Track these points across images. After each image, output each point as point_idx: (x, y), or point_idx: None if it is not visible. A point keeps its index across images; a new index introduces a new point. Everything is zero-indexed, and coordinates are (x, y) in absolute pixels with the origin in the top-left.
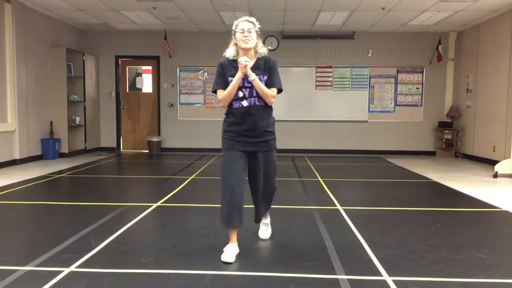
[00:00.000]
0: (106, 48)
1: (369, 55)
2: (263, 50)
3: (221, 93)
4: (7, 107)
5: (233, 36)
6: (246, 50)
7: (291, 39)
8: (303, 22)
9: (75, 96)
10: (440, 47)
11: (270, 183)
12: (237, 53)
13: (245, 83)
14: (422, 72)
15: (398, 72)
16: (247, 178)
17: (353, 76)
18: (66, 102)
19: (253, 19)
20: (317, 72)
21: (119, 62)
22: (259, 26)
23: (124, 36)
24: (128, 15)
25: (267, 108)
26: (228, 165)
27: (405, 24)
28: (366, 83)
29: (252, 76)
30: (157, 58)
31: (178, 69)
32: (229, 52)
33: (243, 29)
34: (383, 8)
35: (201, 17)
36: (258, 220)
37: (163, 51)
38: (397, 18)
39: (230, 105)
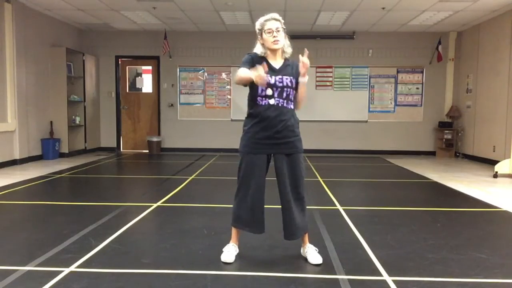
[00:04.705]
0: (106, 48)
1: (369, 55)
2: (289, 50)
3: (241, 71)
4: (7, 107)
5: (259, 36)
6: (275, 51)
7: (291, 39)
8: (303, 22)
9: (75, 96)
10: (440, 47)
11: (297, 191)
12: (265, 51)
13: (277, 83)
14: (422, 72)
15: (398, 72)
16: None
17: (353, 76)
18: (66, 102)
19: (279, 16)
20: (317, 72)
21: (119, 62)
22: (283, 21)
23: (124, 36)
24: (128, 15)
25: (292, 110)
26: (247, 169)
27: (405, 24)
28: (366, 83)
29: (306, 79)
30: (157, 58)
31: (178, 69)
32: (258, 50)
33: (271, 29)
34: (383, 8)
35: (201, 17)
36: (288, 236)
37: (163, 51)
38: (397, 18)
39: (255, 102)
